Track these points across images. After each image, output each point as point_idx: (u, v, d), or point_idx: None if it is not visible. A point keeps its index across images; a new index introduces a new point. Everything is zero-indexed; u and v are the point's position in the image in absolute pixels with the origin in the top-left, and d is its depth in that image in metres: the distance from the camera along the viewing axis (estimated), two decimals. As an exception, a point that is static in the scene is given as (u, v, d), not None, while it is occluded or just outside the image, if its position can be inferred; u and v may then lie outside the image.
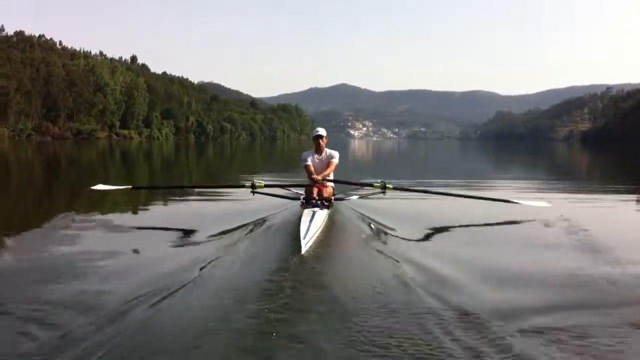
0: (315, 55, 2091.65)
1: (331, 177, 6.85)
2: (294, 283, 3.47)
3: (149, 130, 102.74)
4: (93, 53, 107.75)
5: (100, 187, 7.42)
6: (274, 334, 2.67)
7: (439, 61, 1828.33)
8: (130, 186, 7.69)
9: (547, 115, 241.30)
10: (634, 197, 11.14)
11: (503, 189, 11.97)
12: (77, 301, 3.38)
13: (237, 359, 2.48)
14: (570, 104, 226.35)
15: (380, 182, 6.96)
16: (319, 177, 6.49)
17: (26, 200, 10.03)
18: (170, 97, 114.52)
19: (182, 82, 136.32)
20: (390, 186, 6.92)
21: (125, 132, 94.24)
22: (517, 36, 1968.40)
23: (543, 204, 7.51)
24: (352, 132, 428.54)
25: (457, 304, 3.25)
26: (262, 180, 7.12)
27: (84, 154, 34.36)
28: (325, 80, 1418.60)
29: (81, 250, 5.12)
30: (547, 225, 6.54)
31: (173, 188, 7.95)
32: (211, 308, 3.11)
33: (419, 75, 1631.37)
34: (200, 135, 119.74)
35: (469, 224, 6.87)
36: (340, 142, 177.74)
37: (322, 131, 6.93)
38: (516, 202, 7.33)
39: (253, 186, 6.67)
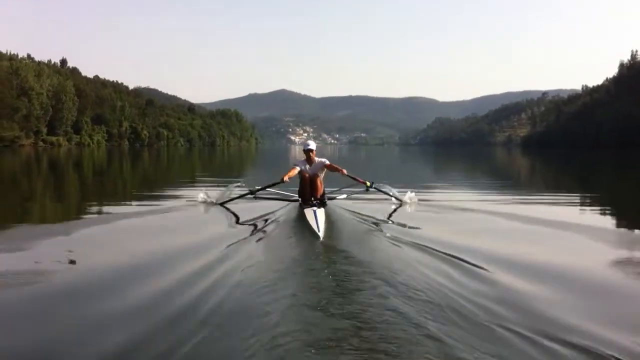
0: (254, 60, 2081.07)
1: (322, 174, 7.95)
2: (324, 263, 4.41)
3: (78, 136, 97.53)
4: (20, 56, 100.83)
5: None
6: (325, 302, 3.29)
7: (378, 67, 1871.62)
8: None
9: (485, 120, 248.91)
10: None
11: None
12: (110, 313, 3.33)
13: (300, 336, 2.75)
14: (508, 110, 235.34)
15: (370, 182, 8.24)
16: (345, 172, 7.81)
17: None
18: (102, 101, 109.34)
19: (116, 87, 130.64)
20: (375, 186, 8.40)
21: (53, 138, 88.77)
22: (454, 43, 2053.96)
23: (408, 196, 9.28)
24: (292, 137, 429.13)
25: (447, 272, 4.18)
26: (257, 185, 8.42)
27: (6, 163, 31.77)
28: (265, 85, 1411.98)
29: (103, 259, 5.04)
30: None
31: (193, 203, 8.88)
32: (258, 292, 3.53)
33: (359, 81, 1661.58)
34: (134, 142, 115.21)
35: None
36: (281, 148, 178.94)
37: (312, 145, 8.14)
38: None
39: (252, 192, 8.04)
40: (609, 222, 8.67)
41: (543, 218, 7.89)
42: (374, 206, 8.99)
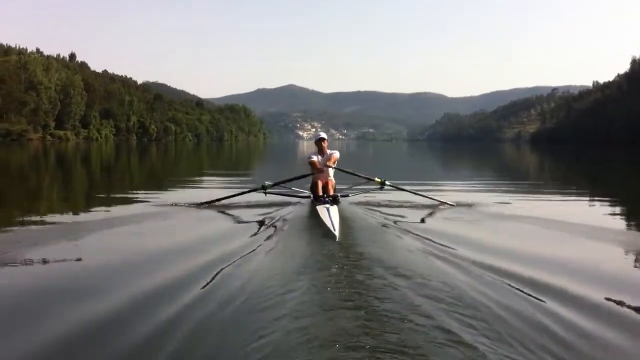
0: (262, 55, 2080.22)
1: (333, 170, 7.76)
2: (342, 265, 3.97)
3: (86, 131, 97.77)
4: (30, 50, 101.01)
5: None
6: (345, 309, 2.91)
7: (386, 63, 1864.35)
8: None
9: (494, 116, 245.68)
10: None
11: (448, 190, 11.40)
12: (120, 307, 3.26)
13: (311, 341, 2.52)
14: (516, 106, 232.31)
15: (381, 179, 7.80)
16: (330, 163, 7.58)
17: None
18: (111, 96, 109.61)
19: (125, 81, 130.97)
20: (389, 183, 7.82)
21: (61, 132, 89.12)
22: (462, 38, 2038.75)
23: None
24: (300, 133, 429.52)
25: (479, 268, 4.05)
26: (269, 181, 7.92)
27: (14, 157, 31.66)
28: (273, 81, 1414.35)
29: (113, 257, 4.85)
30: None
31: (202, 205, 8.05)
32: (270, 295, 3.22)
33: (367, 77, 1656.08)
34: (142, 136, 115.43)
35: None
36: (289, 143, 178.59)
37: (323, 135, 8.14)
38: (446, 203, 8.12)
39: (264, 187, 7.59)
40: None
41: (594, 225, 6.94)
42: (392, 205, 8.33)
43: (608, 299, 3.49)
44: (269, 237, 5.44)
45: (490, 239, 5.73)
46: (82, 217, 7.85)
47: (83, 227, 6.53)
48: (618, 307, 3.34)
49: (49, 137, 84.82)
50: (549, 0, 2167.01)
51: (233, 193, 8.50)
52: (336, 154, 7.86)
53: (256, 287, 3.48)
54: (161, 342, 2.66)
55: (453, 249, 4.87)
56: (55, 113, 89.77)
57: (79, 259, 4.71)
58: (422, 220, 7.01)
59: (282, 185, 8.12)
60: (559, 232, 6.54)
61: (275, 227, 6.10)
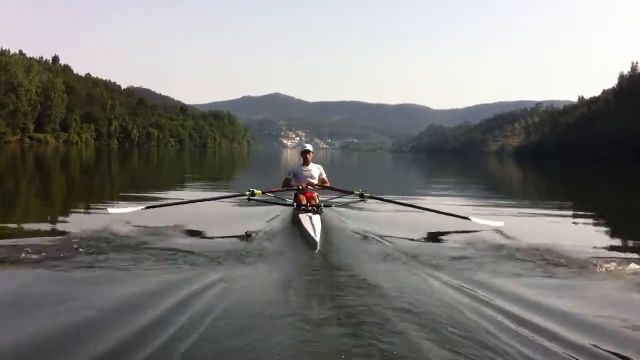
0: (248, 63, 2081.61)
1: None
2: (321, 275, 4.10)
3: (66, 134, 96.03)
4: (12, 52, 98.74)
5: (115, 210, 6.96)
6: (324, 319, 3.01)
7: (372, 74, 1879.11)
8: (144, 206, 7.26)
9: (479, 129, 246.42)
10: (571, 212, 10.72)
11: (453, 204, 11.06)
12: (106, 317, 3.18)
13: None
14: (501, 119, 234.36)
15: (360, 190, 7.64)
16: (315, 182, 7.73)
17: None
18: (93, 99, 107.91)
19: (108, 85, 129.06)
20: (368, 194, 7.64)
21: (40, 135, 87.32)
22: (447, 51, 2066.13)
23: (497, 223, 7.41)
24: (285, 141, 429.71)
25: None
26: (258, 188, 7.47)
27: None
28: (259, 89, 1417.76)
29: (94, 267, 4.51)
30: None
31: (181, 204, 7.61)
32: (252, 305, 3.33)
33: (352, 87, 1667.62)
34: (124, 141, 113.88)
35: (427, 231, 7.10)
36: (273, 151, 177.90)
37: (309, 147, 8.22)
38: (470, 219, 7.35)
39: (253, 194, 7.26)
40: None
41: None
42: (374, 215, 8.26)
43: None
44: (250, 244, 5.47)
45: (472, 251, 5.55)
46: (52, 227, 7.25)
47: (52, 239, 5.73)
48: None
49: (27, 140, 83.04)
50: (533, 16, 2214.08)
51: (217, 196, 8.44)
52: (324, 175, 8.01)
53: (235, 300, 3.48)
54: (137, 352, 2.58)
55: (434, 259, 4.88)
56: (35, 115, 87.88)
57: (35, 277, 4.20)
58: (403, 229, 6.85)
59: (268, 193, 7.98)
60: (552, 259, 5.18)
61: (257, 233, 6.12)
